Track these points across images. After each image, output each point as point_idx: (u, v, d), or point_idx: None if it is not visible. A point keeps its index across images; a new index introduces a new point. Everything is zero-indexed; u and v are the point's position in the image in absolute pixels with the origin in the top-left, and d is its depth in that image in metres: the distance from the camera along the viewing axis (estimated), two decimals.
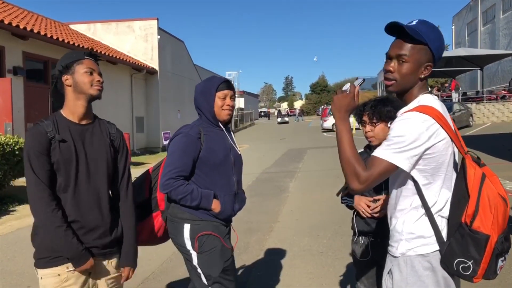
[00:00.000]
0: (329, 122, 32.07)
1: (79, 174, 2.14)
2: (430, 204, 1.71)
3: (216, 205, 2.52)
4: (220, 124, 2.64)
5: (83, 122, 2.20)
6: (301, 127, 40.04)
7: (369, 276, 2.77)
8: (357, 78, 1.91)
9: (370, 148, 2.69)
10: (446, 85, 28.74)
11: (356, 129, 14.97)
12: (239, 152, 2.73)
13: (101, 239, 2.19)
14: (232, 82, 2.69)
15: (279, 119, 53.41)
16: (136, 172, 2.95)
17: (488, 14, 33.38)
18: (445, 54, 30.41)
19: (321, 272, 4.50)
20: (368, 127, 2.60)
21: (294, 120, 56.90)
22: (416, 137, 1.62)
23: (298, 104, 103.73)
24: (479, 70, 29.30)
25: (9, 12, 14.22)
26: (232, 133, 2.75)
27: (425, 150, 1.65)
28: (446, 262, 1.67)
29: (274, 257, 5.07)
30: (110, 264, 2.27)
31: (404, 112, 1.71)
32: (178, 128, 2.65)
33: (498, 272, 1.67)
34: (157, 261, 4.95)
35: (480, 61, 27.29)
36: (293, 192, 9.36)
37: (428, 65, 1.75)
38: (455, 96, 27.34)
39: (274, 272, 4.58)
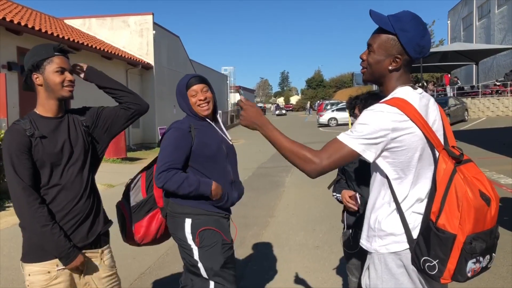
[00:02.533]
0: (325, 117, 32.16)
1: (66, 167, 2.14)
2: (400, 200, 1.67)
3: (216, 186, 2.48)
4: (206, 119, 2.62)
5: (59, 115, 2.18)
6: (297, 122, 40.03)
7: (360, 267, 2.84)
8: (240, 93, 2.00)
9: None
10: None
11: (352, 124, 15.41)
12: (231, 143, 2.74)
13: (93, 228, 2.21)
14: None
15: (277, 112, 64.42)
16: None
17: (483, 9, 33.43)
18: (441, 48, 30.51)
19: (317, 266, 4.53)
20: None
21: (305, 114, 58.14)
22: (380, 127, 1.59)
23: (294, 99, 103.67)
24: (474, 65, 29.39)
25: (3, 7, 14.11)
26: (222, 124, 2.73)
27: (390, 142, 1.61)
28: (415, 259, 1.62)
29: (270, 251, 5.10)
30: (103, 263, 2.25)
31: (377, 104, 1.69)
32: None
33: (469, 275, 1.56)
34: (154, 256, 4.96)
35: (475, 56, 27.40)
36: (289, 187, 9.40)
37: (397, 57, 1.69)
38: (449, 90, 27.41)
39: (270, 266, 4.61)
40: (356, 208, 2.70)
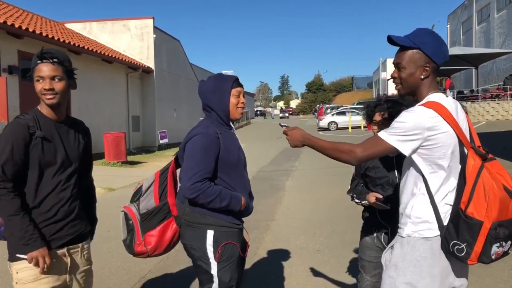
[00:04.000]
0: (326, 120, 32.17)
1: (59, 171, 2.19)
2: (433, 191, 1.88)
3: (244, 202, 2.47)
4: (230, 123, 2.56)
5: (59, 120, 2.25)
6: (298, 125, 39.97)
7: (375, 271, 2.77)
8: (281, 126, 2.35)
9: None
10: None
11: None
12: (244, 151, 2.67)
13: (76, 227, 2.28)
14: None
15: (280, 114, 71.71)
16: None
17: (483, 13, 33.51)
18: None
19: (318, 270, 4.52)
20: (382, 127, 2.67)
21: (313, 116, 58.19)
22: (416, 125, 1.82)
23: (294, 103, 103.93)
24: (474, 69, 29.41)
25: (4, 11, 14.17)
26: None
27: (425, 140, 1.83)
28: (445, 243, 1.83)
29: (271, 255, 5.10)
30: (83, 257, 2.35)
31: (415, 106, 1.92)
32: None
33: (493, 257, 1.77)
34: (154, 259, 4.94)
35: (475, 60, 27.38)
36: (290, 191, 9.39)
37: (426, 66, 1.94)
38: (449, 94, 27.46)
39: (271, 270, 4.60)
40: (388, 207, 2.61)
